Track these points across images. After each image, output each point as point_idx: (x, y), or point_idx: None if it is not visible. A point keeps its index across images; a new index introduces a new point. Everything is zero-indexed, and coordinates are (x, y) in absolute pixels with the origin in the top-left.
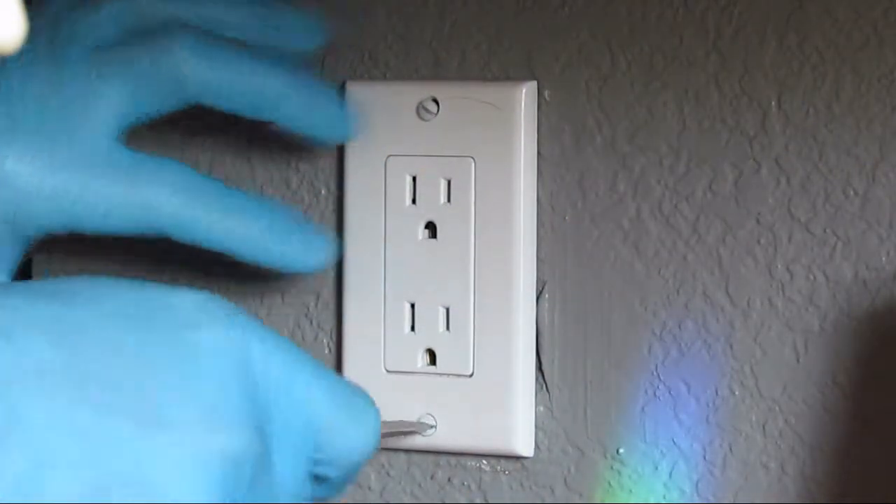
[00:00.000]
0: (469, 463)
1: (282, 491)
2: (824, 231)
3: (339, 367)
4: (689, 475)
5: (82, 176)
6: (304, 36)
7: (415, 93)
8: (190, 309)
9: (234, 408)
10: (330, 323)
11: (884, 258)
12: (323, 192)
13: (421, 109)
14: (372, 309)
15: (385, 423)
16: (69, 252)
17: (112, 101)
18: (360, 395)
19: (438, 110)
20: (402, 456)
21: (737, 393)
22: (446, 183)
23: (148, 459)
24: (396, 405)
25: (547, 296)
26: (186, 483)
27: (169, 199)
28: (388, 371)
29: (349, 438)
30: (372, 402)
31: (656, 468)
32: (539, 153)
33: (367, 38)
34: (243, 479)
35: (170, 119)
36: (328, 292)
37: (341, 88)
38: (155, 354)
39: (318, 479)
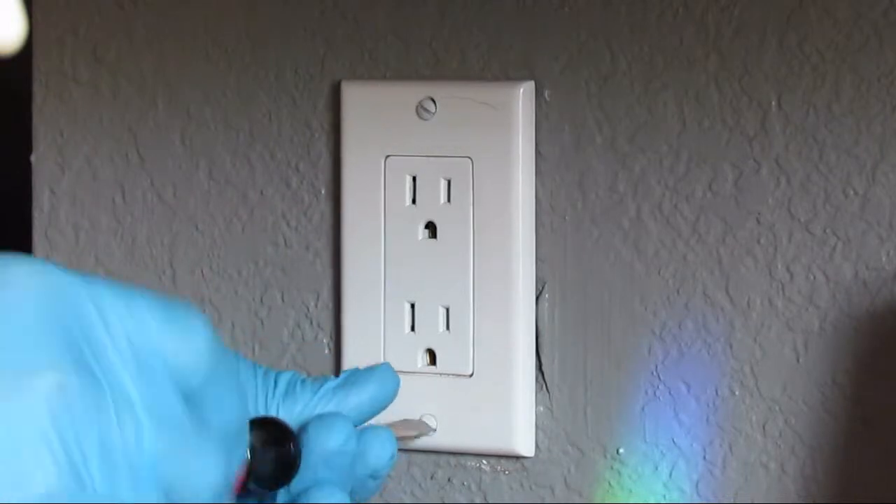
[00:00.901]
0: (469, 463)
1: (146, 414)
2: (824, 231)
3: (338, 367)
4: (689, 475)
5: None
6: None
7: (414, 93)
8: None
9: (45, 344)
10: (330, 323)
11: (884, 258)
12: (323, 192)
13: (420, 109)
14: (372, 309)
15: (392, 424)
16: (69, 255)
17: None
18: (184, 308)
19: (437, 110)
20: (402, 456)
21: (737, 393)
22: (446, 183)
23: None
24: (396, 405)
25: (547, 296)
26: (14, 428)
27: None
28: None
29: (182, 353)
30: (196, 313)
31: (656, 468)
32: (538, 153)
33: (366, 38)
34: (73, 409)
35: (170, 120)
36: (328, 292)
37: (339, 88)
38: None
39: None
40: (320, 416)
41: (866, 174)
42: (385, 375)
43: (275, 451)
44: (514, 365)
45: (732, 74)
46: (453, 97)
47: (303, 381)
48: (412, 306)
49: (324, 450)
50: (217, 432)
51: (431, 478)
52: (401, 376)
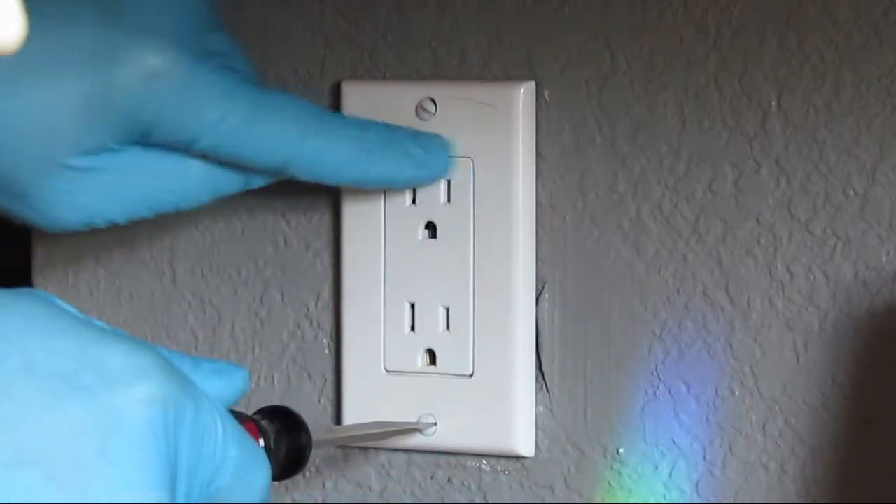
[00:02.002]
0: (469, 463)
1: None
2: (824, 231)
3: (338, 367)
4: (689, 475)
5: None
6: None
7: (413, 93)
8: (120, 367)
9: (150, 473)
10: (330, 323)
11: (884, 258)
12: (323, 192)
13: (419, 110)
14: (372, 309)
15: (385, 423)
16: (69, 256)
17: None
18: (258, 455)
19: (437, 110)
20: (402, 456)
21: (737, 393)
22: (446, 183)
23: None
24: (396, 405)
25: (547, 296)
26: None
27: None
28: (388, 371)
29: (240, 497)
30: (264, 460)
31: (656, 468)
32: (539, 153)
33: (366, 38)
34: None
35: None
36: (328, 292)
37: (338, 88)
38: (74, 421)
39: None
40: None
41: (866, 174)
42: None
43: (288, 441)
44: (514, 365)
45: (732, 74)
46: (453, 97)
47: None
48: (412, 306)
49: None
50: None
51: (431, 478)
52: (401, 376)
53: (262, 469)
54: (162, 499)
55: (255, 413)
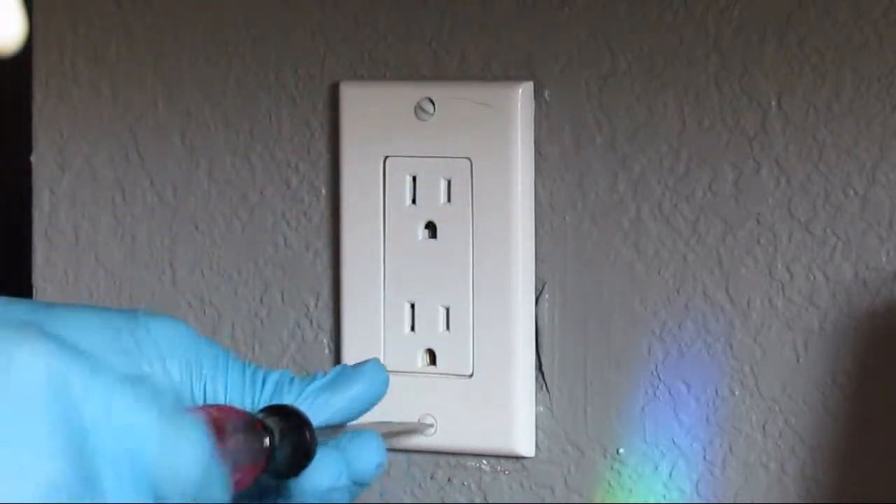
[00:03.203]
0: (469, 463)
1: None
2: (824, 231)
3: None
4: (689, 475)
5: None
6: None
7: (412, 93)
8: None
9: (47, 435)
10: (330, 323)
11: (884, 258)
12: (323, 192)
13: (419, 110)
14: (372, 309)
15: (385, 423)
16: (69, 256)
17: None
18: (185, 418)
19: (436, 111)
20: (402, 456)
21: (737, 393)
22: (446, 183)
23: None
24: (396, 405)
25: (547, 296)
26: None
27: None
28: (388, 371)
29: (179, 466)
30: (198, 425)
31: (656, 468)
32: (538, 153)
33: (366, 38)
34: None
35: (170, 120)
36: (328, 292)
37: (337, 88)
38: None
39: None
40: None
41: (866, 174)
42: (373, 372)
43: (293, 438)
44: (514, 365)
45: (732, 74)
46: (453, 97)
47: (291, 381)
48: (412, 306)
49: (316, 490)
50: None
51: (431, 478)
52: (401, 376)
53: (195, 438)
54: (67, 468)
55: (259, 411)
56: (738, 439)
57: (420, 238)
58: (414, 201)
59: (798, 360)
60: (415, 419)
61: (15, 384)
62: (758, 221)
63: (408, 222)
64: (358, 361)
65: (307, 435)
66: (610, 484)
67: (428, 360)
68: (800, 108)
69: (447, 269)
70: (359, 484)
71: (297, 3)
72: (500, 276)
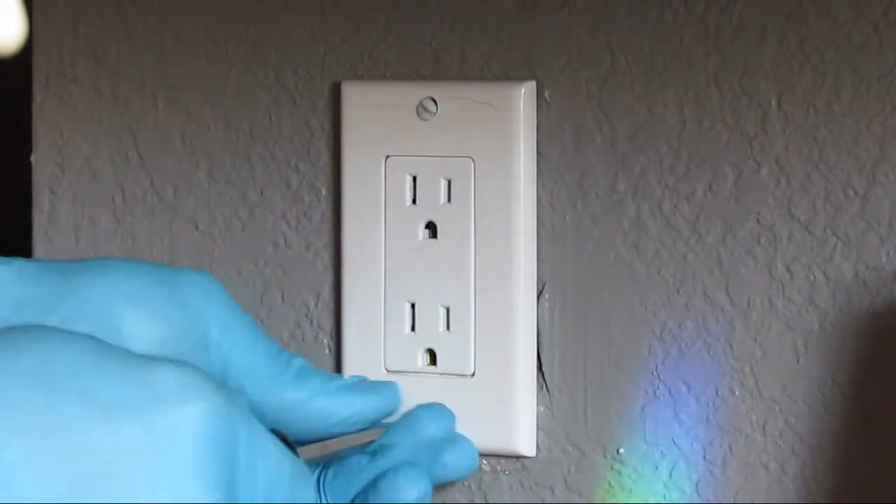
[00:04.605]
0: None
1: None
2: (824, 231)
3: (338, 367)
4: (689, 475)
5: None
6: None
7: (414, 92)
8: (175, 386)
9: (211, 495)
10: (330, 323)
11: (884, 258)
12: (323, 192)
13: (420, 109)
14: (372, 309)
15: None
16: (69, 256)
17: None
18: (305, 475)
19: (437, 110)
20: None
21: (737, 393)
22: (446, 183)
23: None
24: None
25: (547, 296)
26: None
27: None
28: (388, 371)
29: None
30: (311, 478)
31: (656, 468)
32: (539, 153)
33: (366, 38)
34: None
35: (170, 120)
36: (328, 292)
37: (338, 88)
38: (131, 442)
39: None
40: (396, 469)
41: (866, 174)
42: (390, 393)
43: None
44: (514, 365)
45: (732, 74)
46: (454, 97)
47: (312, 371)
48: (412, 306)
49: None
50: None
51: None
52: (401, 376)
53: (311, 486)
54: None
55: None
56: (738, 439)
57: (420, 238)
58: (414, 201)
59: (798, 360)
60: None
61: (183, 437)
62: (758, 221)
63: (408, 222)
64: (368, 377)
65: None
66: (610, 484)
67: (428, 360)
68: (800, 108)
69: (447, 269)
70: None
71: (297, 3)
72: (501, 275)
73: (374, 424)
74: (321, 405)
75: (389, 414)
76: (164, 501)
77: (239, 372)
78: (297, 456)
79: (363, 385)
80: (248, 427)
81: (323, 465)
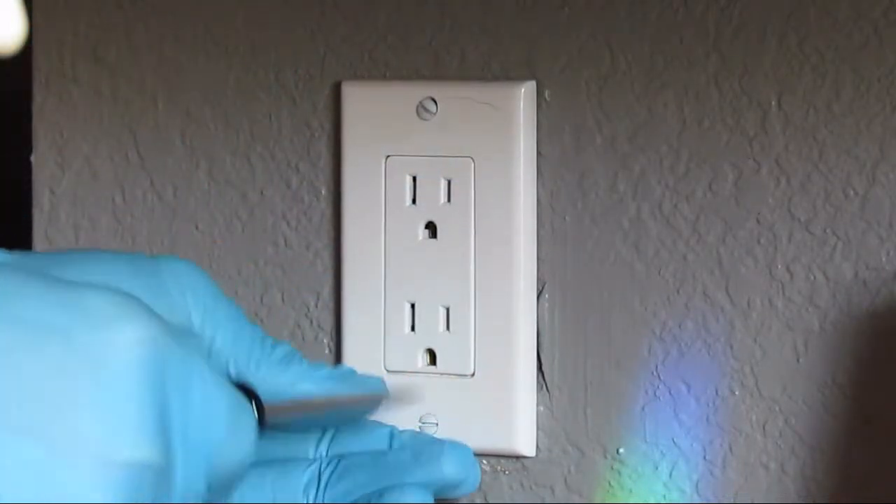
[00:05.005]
0: None
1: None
2: (824, 231)
3: None
4: (689, 475)
5: None
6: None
7: (414, 92)
8: (106, 310)
9: (142, 419)
10: (330, 323)
11: (884, 258)
12: (323, 191)
13: (420, 109)
14: (372, 309)
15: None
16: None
17: None
18: (244, 409)
19: (438, 110)
20: None
21: (737, 393)
22: (446, 183)
23: (55, 478)
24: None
25: (547, 296)
26: (91, 498)
27: None
28: (388, 371)
29: (232, 454)
30: (252, 416)
31: (656, 468)
32: (539, 153)
33: (366, 38)
34: (143, 491)
35: (170, 120)
36: (328, 292)
37: (339, 88)
38: (67, 362)
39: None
40: (401, 488)
41: (866, 174)
42: (376, 387)
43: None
44: (514, 365)
45: (732, 74)
46: (454, 97)
47: (299, 359)
48: (412, 306)
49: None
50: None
51: None
52: (401, 376)
53: (251, 421)
54: (154, 452)
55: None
56: (738, 439)
57: (420, 238)
58: (414, 201)
59: (798, 360)
60: (415, 419)
61: (114, 362)
62: (758, 221)
63: (408, 222)
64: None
65: (254, 405)
66: (610, 484)
67: (428, 360)
68: (800, 108)
69: (447, 269)
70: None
71: (297, 3)
72: (501, 275)
73: (362, 417)
74: (304, 391)
75: (375, 409)
76: (90, 424)
77: (222, 357)
78: (262, 415)
79: (350, 376)
80: (183, 357)
81: (324, 461)
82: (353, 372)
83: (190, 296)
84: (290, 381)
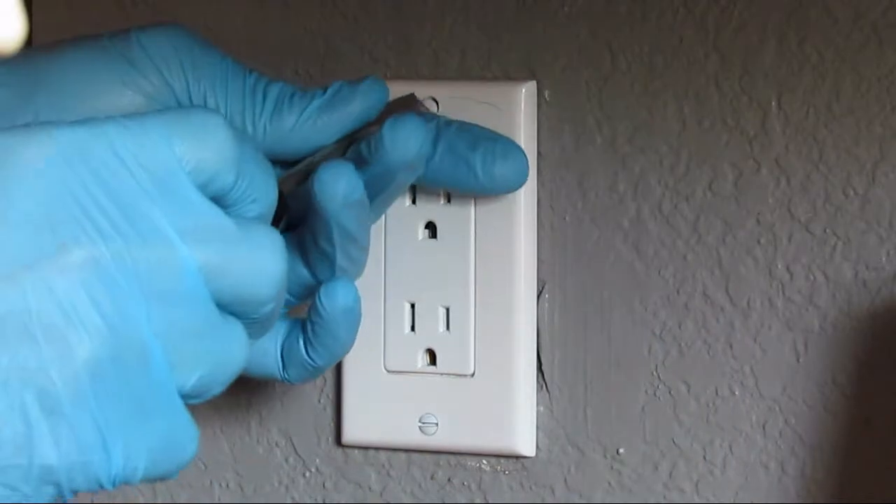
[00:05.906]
0: (469, 463)
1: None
2: (824, 231)
3: (339, 366)
4: (689, 475)
5: None
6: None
7: (415, 92)
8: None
9: (62, 220)
10: None
11: (884, 258)
12: None
13: (421, 108)
14: (372, 309)
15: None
16: None
17: None
18: (197, 114)
19: (438, 110)
20: (402, 456)
21: (737, 393)
22: None
23: None
24: (397, 405)
25: (547, 296)
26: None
27: None
28: (388, 371)
29: (205, 160)
30: (209, 113)
31: (656, 468)
32: (539, 153)
33: (366, 38)
34: (113, 282)
35: None
36: None
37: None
38: None
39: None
40: (322, 171)
41: (866, 174)
42: (371, 89)
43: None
44: (514, 365)
45: (732, 74)
46: (454, 97)
47: (291, 97)
48: (412, 306)
49: (333, 203)
50: (261, 221)
51: (431, 478)
52: (401, 376)
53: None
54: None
55: None
56: (738, 439)
57: (420, 238)
58: (414, 201)
59: (798, 360)
60: (415, 419)
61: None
62: (758, 221)
63: (408, 222)
64: (355, 80)
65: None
66: (610, 484)
67: (428, 360)
68: (800, 108)
69: (447, 269)
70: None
71: (297, 3)
72: (501, 276)
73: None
74: (304, 134)
75: (377, 109)
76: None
77: None
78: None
79: (341, 95)
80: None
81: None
82: (343, 86)
83: (162, 63)
84: (290, 128)
